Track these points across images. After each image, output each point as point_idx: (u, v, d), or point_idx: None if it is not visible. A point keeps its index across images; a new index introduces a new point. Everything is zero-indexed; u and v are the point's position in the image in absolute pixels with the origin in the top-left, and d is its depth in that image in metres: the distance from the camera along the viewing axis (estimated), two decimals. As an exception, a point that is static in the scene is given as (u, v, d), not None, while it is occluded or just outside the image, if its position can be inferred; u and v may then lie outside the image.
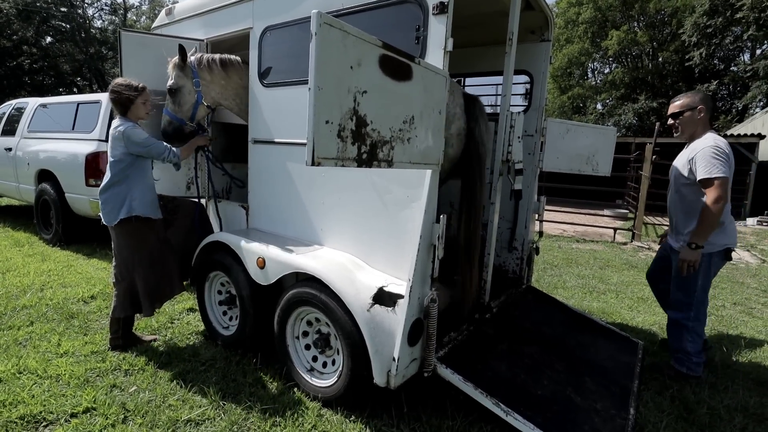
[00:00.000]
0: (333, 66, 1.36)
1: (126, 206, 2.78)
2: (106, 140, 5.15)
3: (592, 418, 2.22)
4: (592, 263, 6.49)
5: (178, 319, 3.57)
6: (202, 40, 3.44)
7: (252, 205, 3.18)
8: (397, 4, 2.22)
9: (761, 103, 23.51)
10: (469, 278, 2.61)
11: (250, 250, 2.73)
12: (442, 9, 2.04)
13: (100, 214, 2.84)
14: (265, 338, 2.82)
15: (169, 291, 3.04)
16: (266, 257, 2.61)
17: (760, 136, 13.60)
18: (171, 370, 2.73)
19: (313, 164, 1.35)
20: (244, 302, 2.85)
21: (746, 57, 25.85)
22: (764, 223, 12.65)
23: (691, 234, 2.70)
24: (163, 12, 3.88)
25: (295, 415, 2.30)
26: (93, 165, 5.14)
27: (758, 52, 24.78)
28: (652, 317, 4.19)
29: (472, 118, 2.66)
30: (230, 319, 3.15)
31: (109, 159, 2.78)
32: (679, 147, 3.11)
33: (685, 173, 2.80)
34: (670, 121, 2.95)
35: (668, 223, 3.12)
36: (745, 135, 14.17)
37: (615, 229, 8.74)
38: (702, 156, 2.64)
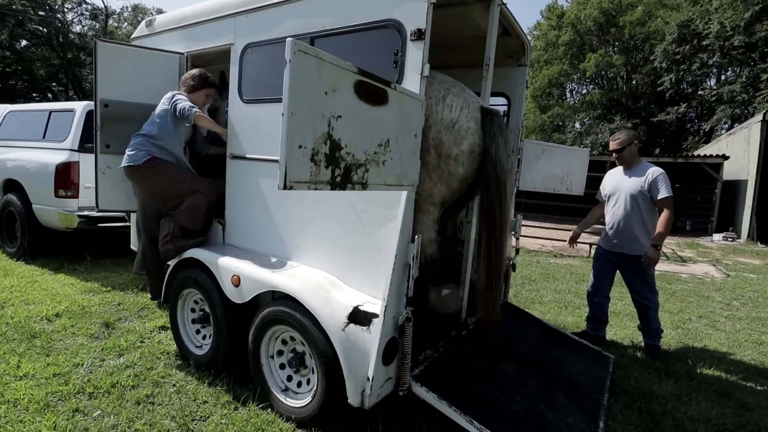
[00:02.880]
0: (307, 92, 1.38)
1: (153, 151, 3.06)
2: (80, 150, 5.07)
3: (564, 434, 2.26)
4: (568, 278, 6.63)
5: (148, 338, 3.47)
6: (183, 54, 3.43)
7: (229, 221, 3.15)
8: (376, 28, 2.27)
9: (726, 125, 24.68)
10: (493, 301, 2.49)
11: (225, 267, 2.70)
12: (419, 35, 2.10)
13: (125, 157, 3.08)
14: (239, 357, 2.78)
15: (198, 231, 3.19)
16: (241, 275, 2.58)
17: (725, 157, 14.25)
18: (139, 393, 2.65)
19: (285, 188, 1.36)
20: (218, 320, 2.80)
21: (712, 82, 27.20)
22: (729, 239, 13.19)
23: (656, 238, 3.45)
24: (143, 23, 3.86)
25: (268, 437, 2.26)
26: (64, 175, 5.00)
27: (723, 77, 26.11)
28: (623, 331, 4.29)
29: (488, 135, 2.39)
30: (203, 337, 3.09)
31: (154, 114, 3.12)
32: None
33: (643, 191, 3.56)
34: (614, 156, 3.77)
35: (609, 232, 3.79)
36: (711, 156, 14.83)
37: (590, 245, 8.96)
38: (662, 179, 3.49)
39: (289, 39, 1.29)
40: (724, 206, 14.78)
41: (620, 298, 5.61)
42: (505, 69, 3.63)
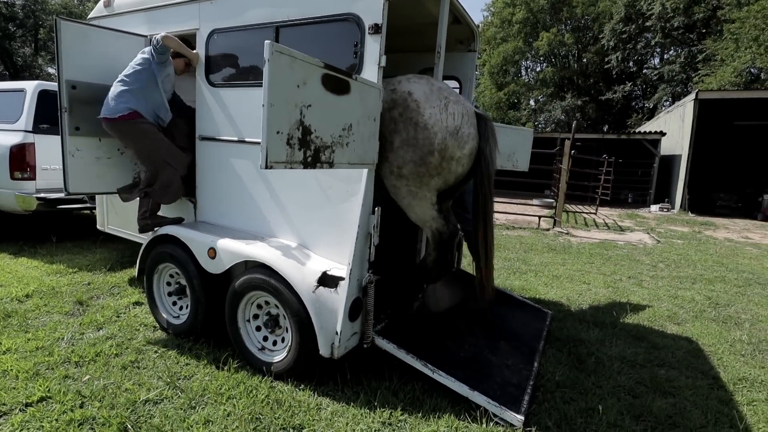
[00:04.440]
0: (282, 86, 1.63)
1: (132, 105, 3.06)
2: (34, 131, 4.96)
3: (503, 371, 2.70)
4: (518, 248, 7.23)
5: (124, 313, 3.63)
6: (146, 36, 3.48)
7: (200, 199, 3.33)
8: (337, 21, 2.49)
9: (667, 103, 26.39)
10: (487, 275, 2.88)
11: (202, 241, 2.91)
12: (376, 29, 2.35)
13: (104, 106, 3.09)
14: (217, 325, 3.02)
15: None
16: (217, 248, 2.81)
17: (662, 134, 15.45)
18: (123, 359, 2.85)
19: (266, 168, 1.62)
20: (195, 291, 3.02)
21: (656, 61, 28.82)
22: (664, 209, 14.48)
23: None
24: (101, 3, 3.82)
25: (250, 388, 2.55)
26: (19, 157, 4.90)
27: (665, 57, 27.73)
28: (562, 291, 4.87)
29: (483, 138, 2.70)
30: (180, 309, 3.30)
31: (131, 64, 3.12)
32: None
33: None
34: None
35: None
36: (650, 132, 16.02)
37: (539, 217, 9.67)
38: None
39: (267, 41, 1.52)
40: (662, 179, 16.11)
41: (562, 264, 6.24)
42: (457, 54, 3.94)
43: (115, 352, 2.96)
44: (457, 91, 4.14)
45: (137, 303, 3.82)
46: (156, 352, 2.98)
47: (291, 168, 1.75)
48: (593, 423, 2.42)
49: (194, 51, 3.15)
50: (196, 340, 3.10)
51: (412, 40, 4.03)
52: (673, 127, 15.92)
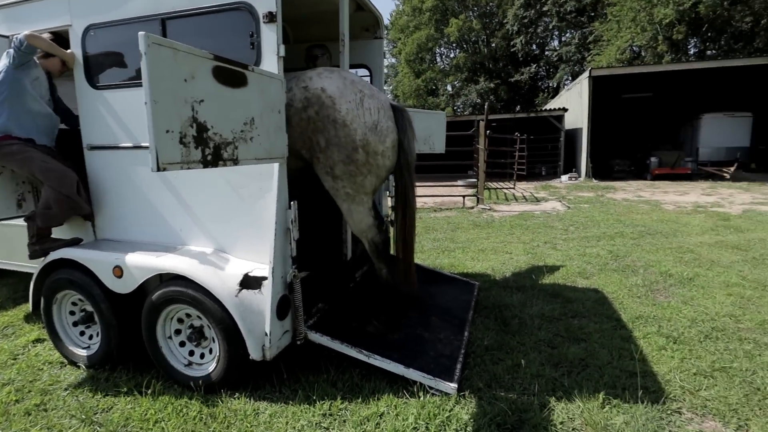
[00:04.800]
0: (166, 81, 1.51)
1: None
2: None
3: (436, 345, 2.81)
4: (445, 227, 7.51)
5: (22, 354, 3.21)
6: (8, 37, 3.05)
7: (98, 216, 3.02)
8: (228, 10, 2.37)
9: (568, 81, 28.81)
10: (409, 266, 2.90)
11: (104, 261, 2.65)
12: (271, 18, 2.27)
13: None
14: (136, 347, 2.79)
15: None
16: (123, 265, 2.58)
17: (565, 110, 16.85)
18: (26, 405, 2.53)
19: (158, 170, 1.50)
20: (105, 316, 2.76)
21: (555, 43, 31.27)
22: (573, 179, 15.87)
23: None
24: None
25: (179, 407, 2.40)
26: None
27: (563, 39, 30.18)
28: (488, 263, 5.15)
29: (401, 130, 2.72)
30: (90, 338, 2.99)
31: None
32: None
33: None
34: None
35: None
36: (555, 109, 17.42)
37: (464, 197, 10.12)
38: None
39: (141, 33, 1.40)
40: (569, 151, 17.62)
41: (486, 238, 6.61)
42: (364, 42, 3.94)
43: (14, 398, 2.61)
44: (368, 79, 4.16)
45: (38, 340, 3.39)
46: (66, 389, 2.68)
47: (189, 168, 1.64)
48: (519, 377, 2.62)
49: (68, 51, 2.82)
50: (113, 369, 2.84)
51: (320, 29, 3.96)
52: (574, 103, 17.43)
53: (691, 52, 20.59)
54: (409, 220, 2.87)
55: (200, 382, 2.52)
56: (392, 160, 2.72)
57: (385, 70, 40.43)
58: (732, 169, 14.33)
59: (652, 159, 15.39)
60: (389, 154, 2.67)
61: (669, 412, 2.29)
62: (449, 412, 2.26)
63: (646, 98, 18.30)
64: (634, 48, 21.45)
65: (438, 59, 36.10)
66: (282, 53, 2.29)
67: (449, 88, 34.82)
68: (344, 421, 2.26)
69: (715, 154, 15.41)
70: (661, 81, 16.53)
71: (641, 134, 18.68)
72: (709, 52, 20.00)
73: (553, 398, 2.40)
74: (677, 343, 3.03)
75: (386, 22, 38.66)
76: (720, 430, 2.18)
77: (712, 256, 5.22)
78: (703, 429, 2.19)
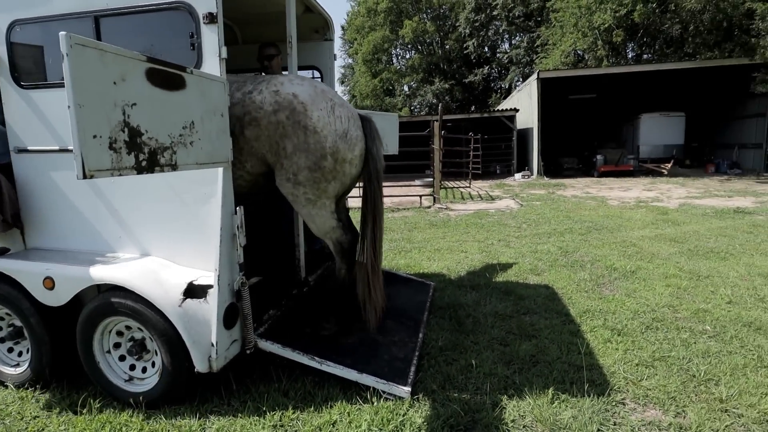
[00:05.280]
0: (92, 83, 1.43)
1: None
2: None
3: (391, 348, 2.83)
4: (402, 227, 7.59)
5: (-59, 374, 2.93)
6: None
7: (27, 223, 2.80)
8: (166, 9, 2.26)
9: (519, 82, 29.91)
10: (375, 277, 2.88)
11: (33, 272, 2.46)
12: (212, 19, 2.19)
13: None
14: (71, 363, 2.61)
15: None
16: (55, 276, 2.40)
17: (516, 110, 17.52)
18: (-58, 432, 2.31)
19: (85, 177, 1.41)
20: (35, 331, 2.56)
21: (506, 46, 32.38)
22: (526, 176, 16.52)
23: None
24: None
25: (118, 426, 2.27)
26: None
27: (513, 42, 31.30)
28: (443, 263, 5.26)
29: (369, 138, 2.77)
30: (19, 354, 2.78)
31: None
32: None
33: None
34: None
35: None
36: (507, 110, 18.06)
37: (421, 196, 10.27)
38: None
39: (62, 33, 1.31)
40: (521, 150, 18.33)
41: (442, 237, 6.74)
42: (314, 43, 3.90)
43: (-72, 426, 2.37)
44: (319, 80, 4.12)
45: (-41, 359, 3.10)
46: (-10, 413, 2.47)
47: (121, 174, 1.55)
48: (472, 377, 2.68)
49: None
50: (45, 387, 2.64)
51: (271, 30, 3.87)
52: (525, 104, 18.14)
53: (630, 56, 22.00)
54: (378, 226, 2.91)
55: (141, 398, 2.39)
56: (359, 168, 2.76)
57: (342, 70, 40.31)
58: (669, 165, 15.49)
59: (598, 157, 16.31)
60: (357, 162, 2.71)
61: (614, 403, 2.40)
62: (403, 416, 2.28)
63: (590, 99, 19.39)
64: (578, 52, 22.62)
65: (394, 60, 36.41)
66: (224, 55, 2.22)
67: (406, 88, 35.20)
68: None
69: (654, 152, 16.59)
70: (604, 83, 17.57)
71: (587, 133, 19.79)
72: (645, 56, 21.46)
73: (505, 396, 2.47)
74: (621, 335, 3.20)
75: (343, 22, 38.55)
76: (660, 418, 2.30)
77: (653, 249, 5.60)
78: (645, 418, 2.30)
